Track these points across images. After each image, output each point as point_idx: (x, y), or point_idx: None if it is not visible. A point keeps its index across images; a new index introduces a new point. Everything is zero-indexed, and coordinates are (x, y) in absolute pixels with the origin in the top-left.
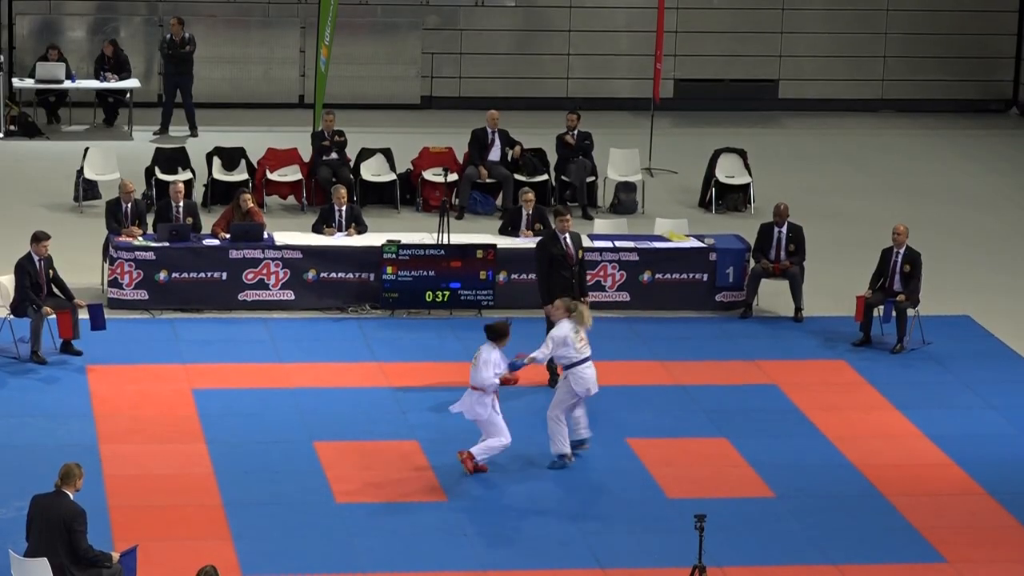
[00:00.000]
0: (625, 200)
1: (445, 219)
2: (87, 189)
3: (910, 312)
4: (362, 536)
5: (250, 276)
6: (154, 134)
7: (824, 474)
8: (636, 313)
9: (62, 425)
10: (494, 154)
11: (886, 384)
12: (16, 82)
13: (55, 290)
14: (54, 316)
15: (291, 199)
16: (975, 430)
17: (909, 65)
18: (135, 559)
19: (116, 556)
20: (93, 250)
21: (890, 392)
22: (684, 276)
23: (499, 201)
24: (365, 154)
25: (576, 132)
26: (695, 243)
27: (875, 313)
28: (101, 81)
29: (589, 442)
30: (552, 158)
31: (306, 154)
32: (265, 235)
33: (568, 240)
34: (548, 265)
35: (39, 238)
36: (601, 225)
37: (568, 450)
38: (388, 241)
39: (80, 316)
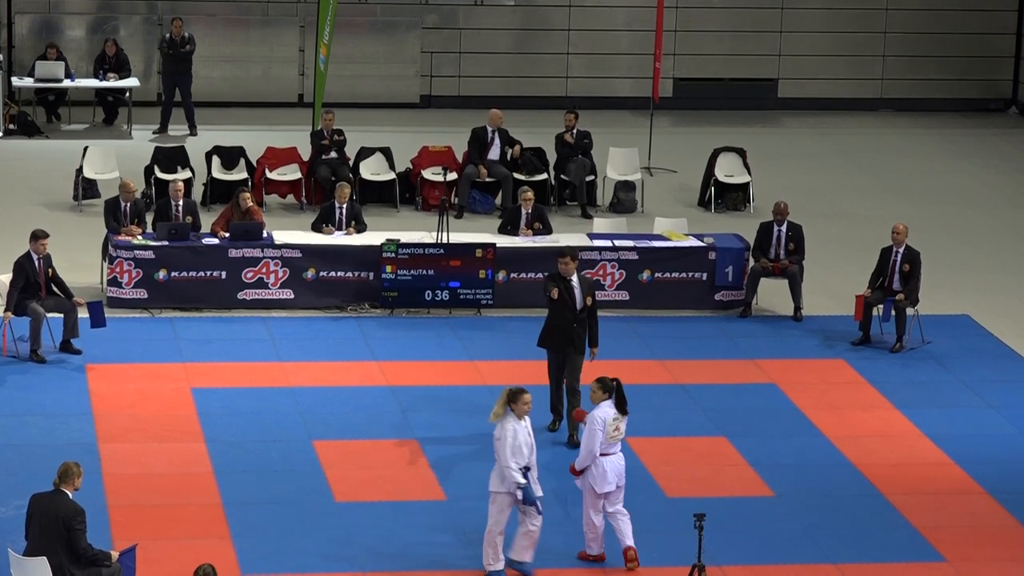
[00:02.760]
0: (624, 199)
1: (444, 218)
2: (86, 188)
3: (909, 311)
4: (361, 535)
5: (249, 275)
6: (153, 133)
7: (823, 473)
8: (635, 312)
9: (61, 424)
10: (493, 153)
11: (885, 383)
12: (15, 81)
13: (54, 289)
14: (60, 316)
15: (290, 198)
16: (974, 429)
17: (908, 64)
18: (134, 558)
19: (115, 555)
20: (92, 249)
21: (889, 391)
22: (683, 275)
23: (498, 200)
24: (364, 153)
25: (575, 131)
26: (694, 242)
27: (874, 312)
28: (101, 80)
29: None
30: (552, 157)
31: (305, 153)
32: (264, 234)
33: (575, 283)
34: (552, 301)
35: (38, 236)
36: (600, 224)
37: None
38: (387, 240)
39: (80, 315)
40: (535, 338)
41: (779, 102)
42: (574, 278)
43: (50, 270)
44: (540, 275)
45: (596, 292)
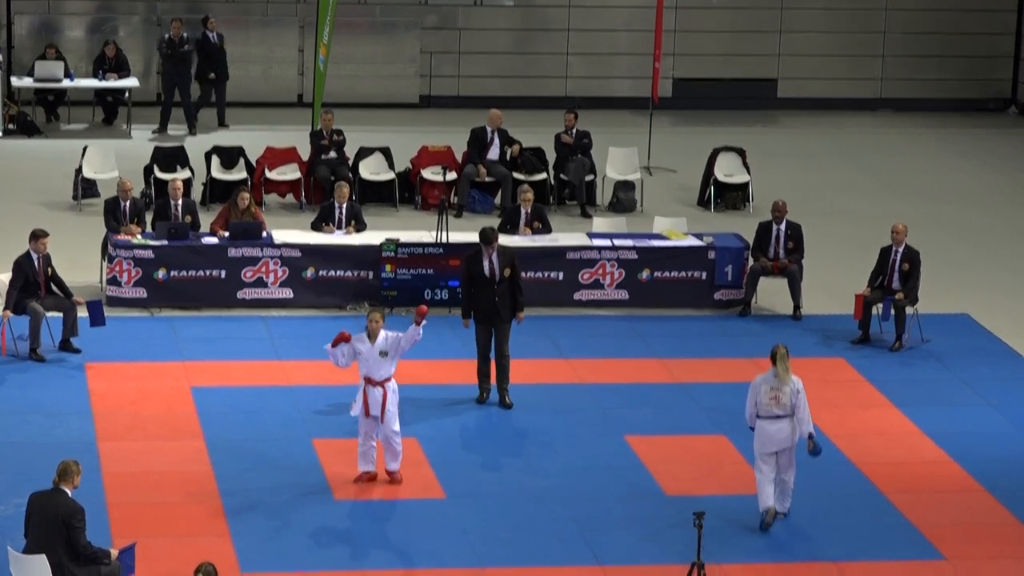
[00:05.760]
0: (624, 199)
1: (444, 217)
2: (86, 188)
3: (909, 310)
4: (361, 533)
5: (249, 274)
6: (153, 133)
7: (823, 472)
8: (635, 311)
9: (61, 422)
10: (493, 153)
11: (885, 382)
12: (15, 81)
13: (54, 288)
14: (59, 315)
15: (290, 197)
16: (973, 427)
17: (908, 64)
18: (133, 556)
19: (115, 553)
20: (92, 248)
21: (889, 390)
22: (683, 274)
23: (498, 200)
24: (364, 153)
25: (575, 131)
26: (694, 241)
27: (874, 311)
28: (100, 80)
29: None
30: (551, 156)
31: (305, 153)
32: (264, 234)
33: (494, 259)
34: (469, 281)
35: (38, 235)
36: (600, 223)
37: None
38: (387, 239)
39: (79, 314)
40: (534, 337)
41: (778, 102)
42: (494, 254)
43: (49, 269)
44: (539, 275)
45: (516, 262)
